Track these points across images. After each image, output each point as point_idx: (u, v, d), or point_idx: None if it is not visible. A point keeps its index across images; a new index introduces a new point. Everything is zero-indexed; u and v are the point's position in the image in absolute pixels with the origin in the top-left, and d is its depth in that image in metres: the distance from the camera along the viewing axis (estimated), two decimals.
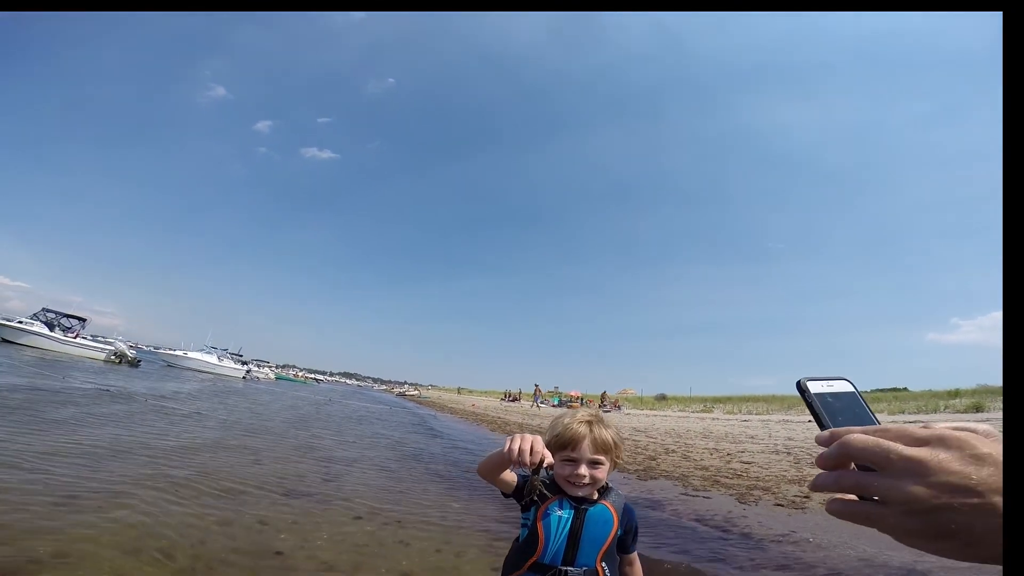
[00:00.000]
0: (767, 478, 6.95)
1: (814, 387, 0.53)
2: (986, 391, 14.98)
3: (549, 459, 1.26)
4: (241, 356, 53.96)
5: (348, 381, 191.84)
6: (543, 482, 1.38)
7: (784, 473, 7.19)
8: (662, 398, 39.10)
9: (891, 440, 0.44)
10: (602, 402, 33.18)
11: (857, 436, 0.45)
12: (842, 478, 0.46)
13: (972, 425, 0.46)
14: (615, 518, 1.46)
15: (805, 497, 5.54)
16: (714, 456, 9.56)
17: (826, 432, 0.49)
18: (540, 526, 1.41)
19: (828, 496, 0.48)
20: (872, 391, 29.07)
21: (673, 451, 10.41)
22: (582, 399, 36.23)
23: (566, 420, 1.51)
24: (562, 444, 1.44)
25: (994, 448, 0.41)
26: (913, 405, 15.33)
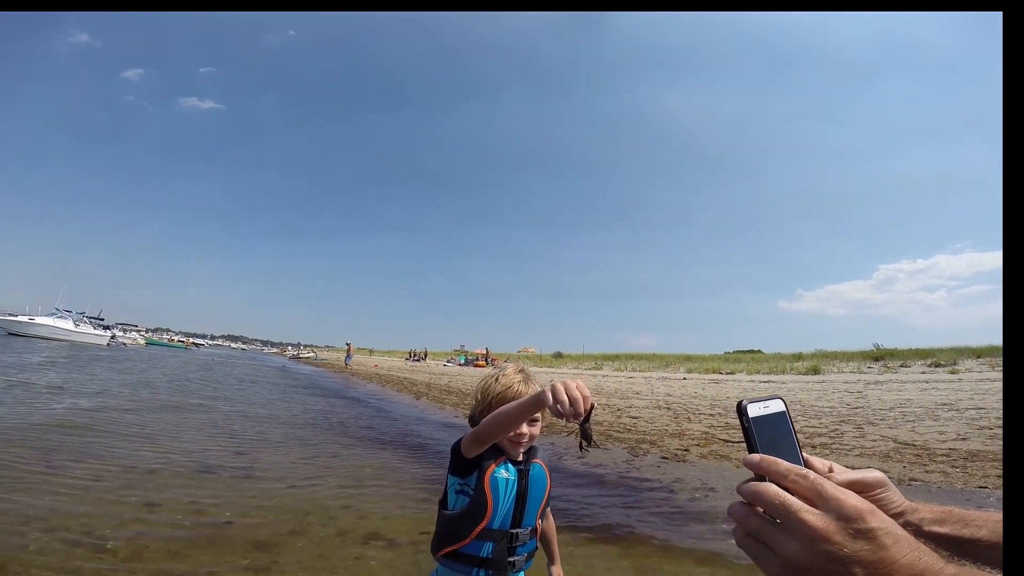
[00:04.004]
0: (652, 432, 7.74)
1: (753, 410, 0.56)
2: (822, 355, 18.12)
3: (595, 403, 1.14)
4: (102, 320, 47.44)
5: (232, 345, 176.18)
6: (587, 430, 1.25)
7: (666, 428, 8.06)
8: (559, 356, 41.48)
9: (805, 490, 0.50)
10: (486, 360, 34.18)
11: (770, 489, 0.51)
12: (748, 518, 0.53)
13: (869, 476, 0.59)
14: (548, 475, 1.48)
15: (685, 451, 6.29)
16: (606, 411, 10.39)
17: (756, 456, 0.54)
18: (488, 490, 1.34)
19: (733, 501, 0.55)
20: (734, 352, 33.64)
21: None
22: (487, 356, 37.16)
23: (504, 379, 1.46)
24: (505, 403, 1.35)
25: (881, 523, 0.47)
26: (766, 366, 17.97)
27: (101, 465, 4.51)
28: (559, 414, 1.08)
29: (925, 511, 0.62)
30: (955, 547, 0.59)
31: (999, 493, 3.92)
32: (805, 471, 0.52)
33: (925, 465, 4.68)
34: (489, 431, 1.30)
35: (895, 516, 0.59)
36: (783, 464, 0.52)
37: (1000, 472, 4.30)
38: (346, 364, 32.35)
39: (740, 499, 0.54)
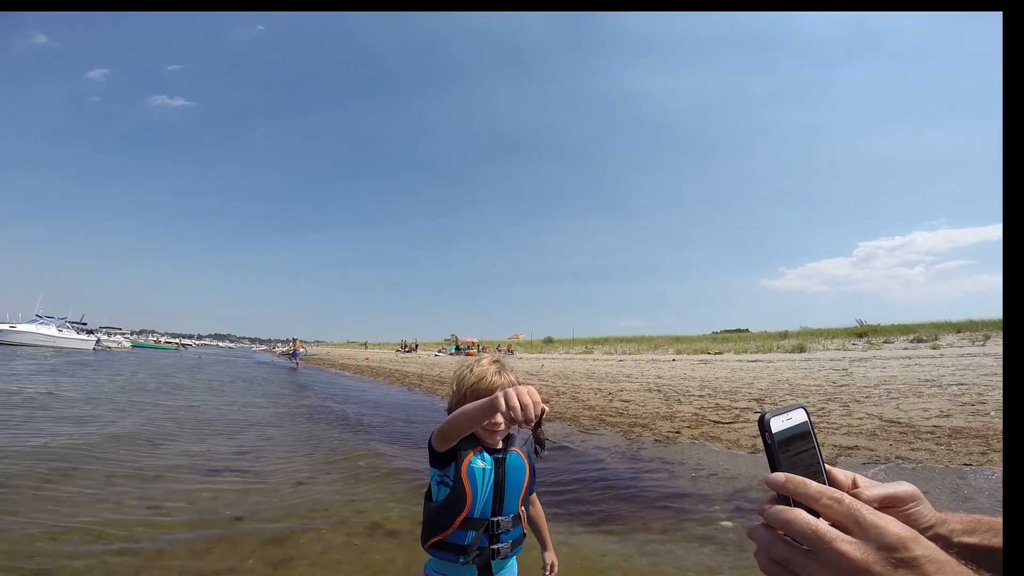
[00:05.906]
0: (644, 415, 7.81)
1: (776, 424, 0.53)
2: (807, 332, 18.42)
3: (546, 408, 1.17)
4: (85, 324, 47.30)
5: (220, 344, 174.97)
6: (542, 434, 1.36)
7: (657, 411, 8.13)
8: (549, 341, 41.80)
9: (840, 516, 0.47)
10: (457, 348, 34.25)
11: (801, 517, 0.47)
12: (775, 546, 0.49)
13: (901, 490, 0.54)
14: (527, 463, 1.51)
15: (676, 433, 6.36)
16: (598, 396, 10.47)
17: (781, 476, 0.50)
18: (466, 481, 1.38)
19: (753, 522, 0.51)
20: (721, 332, 34.11)
21: (563, 392, 11.19)
22: (479, 345, 37.26)
23: (478, 370, 1.49)
24: (478, 395, 1.39)
25: (925, 551, 0.44)
26: (754, 345, 18.23)
27: (115, 470, 4.53)
28: (511, 420, 1.11)
29: (955, 521, 0.59)
30: (986, 558, 0.56)
31: (983, 470, 4.01)
32: (839, 495, 0.48)
33: (911, 443, 4.76)
34: (451, 430, 1.34)
35: (925, 531, 0.56)
36: (813, 486, 0.49)
37: (983, 449, 4.39)
38: (293, 360, 29.39)
39: (762, 520, 0.50)
